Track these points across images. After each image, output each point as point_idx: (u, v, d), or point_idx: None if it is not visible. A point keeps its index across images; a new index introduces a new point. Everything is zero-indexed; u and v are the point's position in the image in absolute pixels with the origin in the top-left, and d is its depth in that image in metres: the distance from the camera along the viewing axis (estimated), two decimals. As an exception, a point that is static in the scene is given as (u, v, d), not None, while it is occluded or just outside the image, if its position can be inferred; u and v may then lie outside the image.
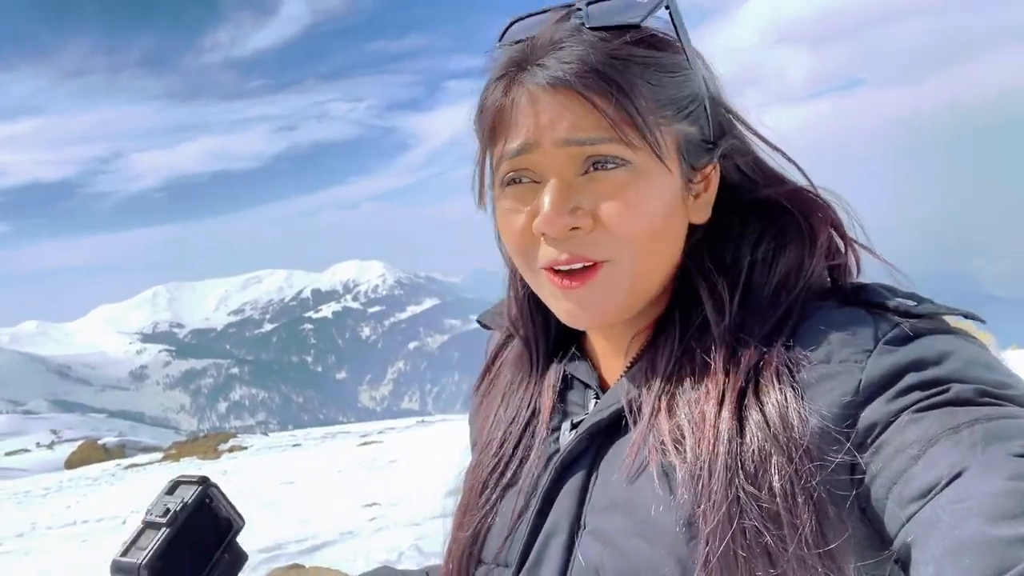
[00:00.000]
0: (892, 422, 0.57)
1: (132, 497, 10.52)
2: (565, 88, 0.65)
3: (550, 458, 0.76)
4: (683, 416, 0.65)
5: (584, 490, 0.71)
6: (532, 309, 0.84)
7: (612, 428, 0.72)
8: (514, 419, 0.82)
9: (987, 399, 0.56)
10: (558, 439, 0.77)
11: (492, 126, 0.70)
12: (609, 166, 0.66)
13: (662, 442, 0.65)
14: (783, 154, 0.75)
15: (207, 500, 0.77)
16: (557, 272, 0.69)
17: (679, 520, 0.62)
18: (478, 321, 0.97)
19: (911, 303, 0.64)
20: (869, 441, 0.58)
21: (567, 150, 0.66)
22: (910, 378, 0.58)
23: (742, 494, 0.59)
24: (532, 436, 0.80)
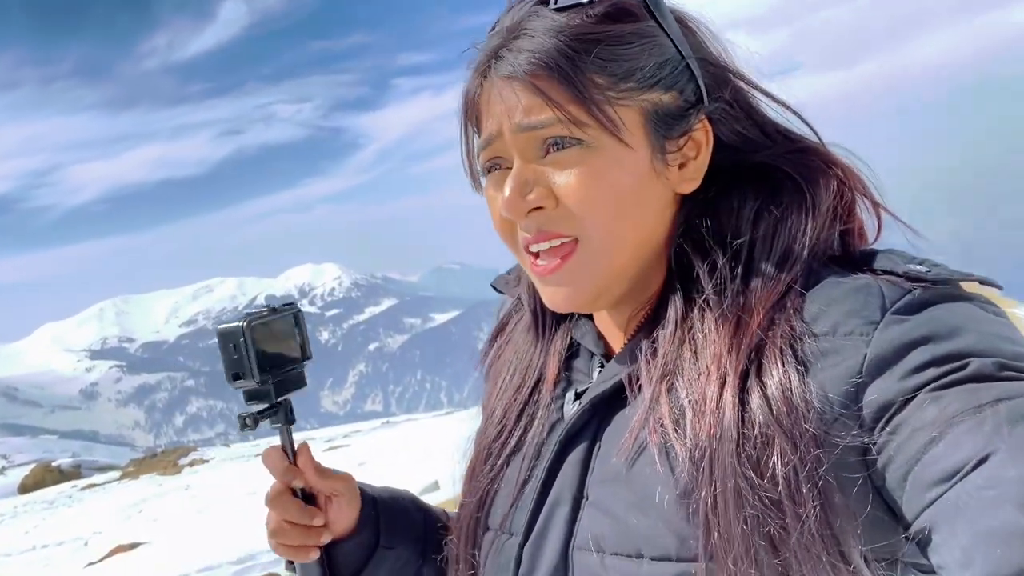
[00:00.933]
0: (909, 401, 0.55)
1: (92, 517, 10.26)
2: (516, 79, 0.68)
3: (553, 426, 0.77)
4: (684, 396, 0.64)
5: (587, 461, 0.71)
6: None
7: (614, 399, 0.71)
8: (519, 387, 0.83)
9: (1008, 372, 0.53)
10: (562, 407, 0.78)
11: (469, 116, 0.75)
12: (564, 146, 0.67)
13: (662, 422, 0.64)
14: (790, 108, 0.73)
15: (295, 319, 0.87)
16: (535, 255, 0.71)
17: (679, 500, 0.61)
18: (492, 286, 0.98)
19: (923, 269, 0.61)
20: (884, 421, 0.56)
21: (524, 135, 0.68)
22: (923, 353, 0.56)
23: (744, 481, 0.58)
24: (536, 403, 0.80)
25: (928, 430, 0.52)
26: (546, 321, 0.85)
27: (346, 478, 0.88)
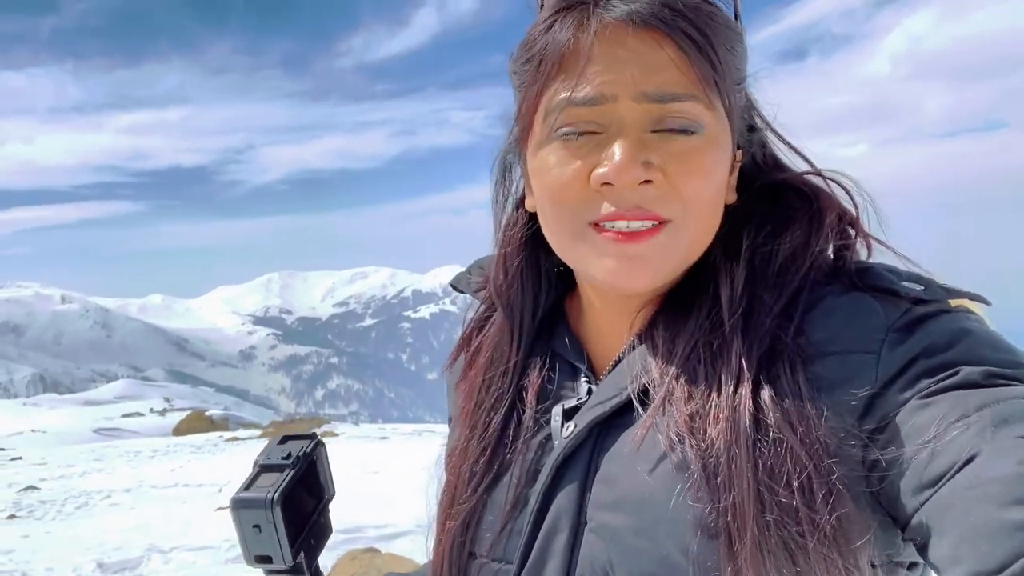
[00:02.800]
0: (900, 409, 0.57)
1: (230, 468, 11.09)
2: (654, 29, 0.60)
3: (542, 445, 0.73)
4: (697, 405, 0.62)
5: (584, 485, 0.68)
6: (523, 277, 0.79)
7: (613, 418, 0.68)
8: (496, 402, 0.78)
9: (995, 380, 0.55)
10: (549, 421, 0.74)
11: (557, 65, 0.63)
12: (683, 130, 0.62)
13: (677, 432, 0.62)
14: (794, 149, 0.74)
15: (315, 458, 0.77)
16: (612, 230, 0.64)
17: (694, 516, 0.59)
18: (451, 284, 0.92)
19: (918, 287, 0.62)
20: (879, 429, 0.57)
21: (648, 107, 0.61)
22: (920, 366, 0.57)
23: (764, 489, 0.57)
24: (519, 421, 0.76)
25: (918, 436, 0.54)
26: (523, 328, 0.79)
27: None
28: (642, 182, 0.62)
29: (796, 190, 0.72)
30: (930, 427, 0.54)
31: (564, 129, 0.64)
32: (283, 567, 0.71)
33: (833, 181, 0.71)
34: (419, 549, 5.26)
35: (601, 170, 0.62)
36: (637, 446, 0.64)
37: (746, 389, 0.61)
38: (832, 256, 0.70)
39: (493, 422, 0.77)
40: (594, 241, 0.65)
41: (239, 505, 0.69)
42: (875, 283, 0.64)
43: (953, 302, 0.63)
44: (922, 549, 0.53)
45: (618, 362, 0.72)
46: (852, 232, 0.70)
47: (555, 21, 0.64)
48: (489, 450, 0.76)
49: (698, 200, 0.64)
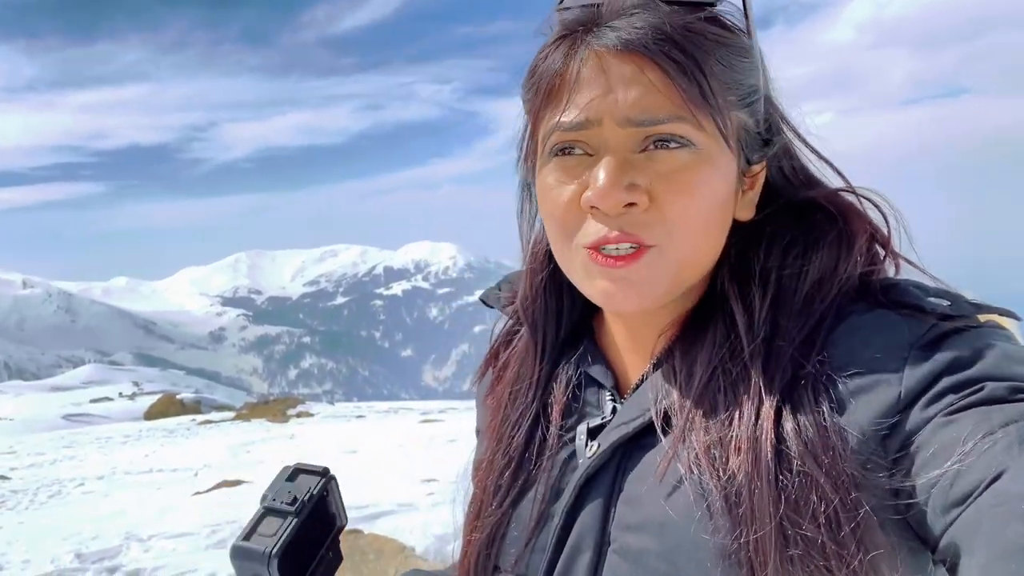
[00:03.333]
0: (925, 427, 0.55)
1: (204, 451, 11.02)
2: (637, 54, 0.61)
3: (566, 462, 0.74)
4: (717, 434, 0.62)
5: (608, 505, 0.68)
6: (547, 293, 0.80)
7: (635, 439, 0.68)
8: (520, 417, 0.79)
9: (1021, 395, 0.54)
10: (574, 439, 0.74)
11: (549, 90, 0.66)
12: (672, 145, 0.62)
13: (696, 461, 0.62)
14: (827, 162, 0.72)
15: (325, 494, 0.75)
16: (600, 252, 0.65)
17: (716, 546, 0.59)
18: (481, 299, 0.92)
19: (944, 303, 0.61)
20: (904, 448, 0.56)
21: (629, 130, 0.62)
22: (944, 382, 0.56)
23: (787, 523, 0.56)
24: (544, 437, 0.77)
25: (943, 454, 0.53)
26: (546, 344, 0.80)
27: None
28: (626, 205, 0.62)
29: (823, 210, 0.70)
30: (955, 445, 0.53)
31: (557, 146, 0.66)
32: None
33: (865, 199, 0.70)
34: (401, 529, 5.29)
35: (588, 194, 0.63)
36: (661, 471, 0.64)
37: (767, 419, 0.60)
38: (860, 274, 0.68)
39: (517, 437, 0.78)
40: (587, 263, 0.66)
41: (238, 554, 0.69)
42: (900, 299, 0.63)
43: (982, 318, 0.61)
44: (952, 570, 0.52)
45: (642, 382, 0.71)
46: (882, 252, 0.69)
47: (552, 50, 0.66)
48: (514, 464, 0.77)
49: (684, 220, 0.63)
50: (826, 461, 0.57)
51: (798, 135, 0.72)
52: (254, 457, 10.16)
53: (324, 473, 0.76)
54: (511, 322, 0.89)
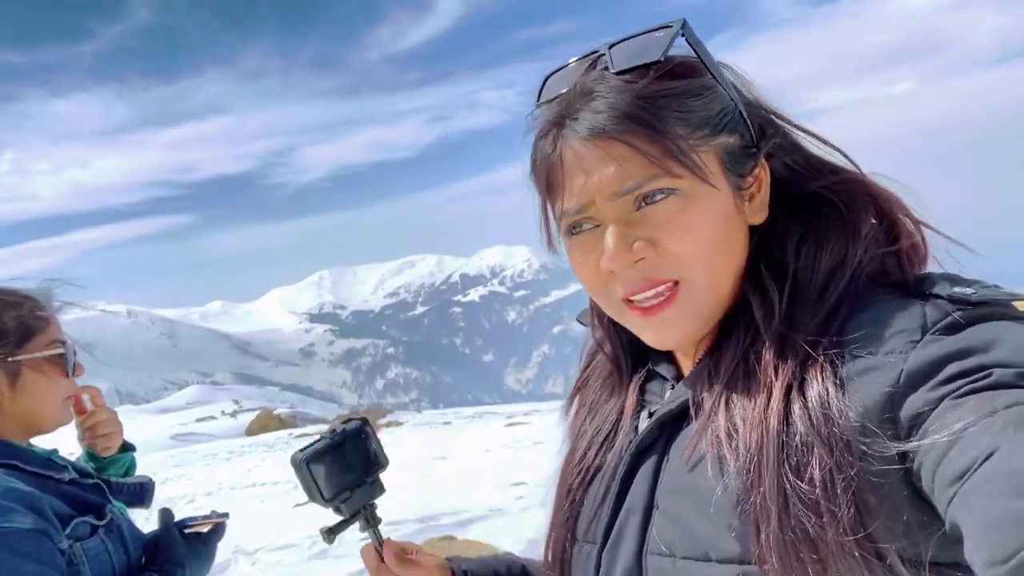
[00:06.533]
0: (934, 409, 0.58)
1: (302, 464, 11.38)
2: (602, 137, 0.71)
3: (630, 444, 0.83)
4: (737, 412, 0.69)
5: (656, 473, 0.77)
6: (615, 330, 0.90)
7: (681, 418, 0.77)
8: (598, 430, 0.88)
9: None
10: (637, 427, 0.84)
11: (547, 183, 0.77)
12: (658, 198, 0.71)
13: (717, 436, 0.70)
14: (827, 143, 0.77)
15: (363, 434, 0.97)
16: (635, 306, 0.74)
17: (734, 506, 0.66)
18: (578, 320, 0.99)
19: (970, 291, 0.64)
20: (915, 428, 0.59)
21: (617, 201, 0.72)
22: (954, 366, 0.59)
23: (787, 484, 0.63)
24: (618, 429, 0.87)
25: (947, 433, 0.56)
26: (625, 367, 0.90)
27: (429, 567, 0.98)
28: (636, 261, 0.72)
29: (827, 200, 0.75)
30: (958, 425, 0.56)
31: (569, 226, 0.77)
32: (323, 506, 0.93)
33: (869, 189, 0.75)
34: (493, 534, 5.31)
35: (603, 262, 0.73)
36: (690, 446, 0.73)
37: (777, 399, 0.67)
38: (893, 264, 0.73)
39: (600, 432, 0.88)
40: (630, 317, 0.76)
41: (291, 462, 0.93)
42: (927, 288, 0.67)
43: (1020, 304, 0.63)
44: (959, 544, 0.54)
45: (691, 371, 0.80)
46: (909, 227, 0.73)
47: (542, 145, 0.77)
48: (592, 453, 0.87)
49: (692, 252, 0.71)
50: (825, 431, 0.62)
51: (796, 126, 0.78)
52: (349, 468, 10.42)
53: (363, 419, 0.97)
54: (596, 345, 0.96)
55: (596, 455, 0.86)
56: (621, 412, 0.87)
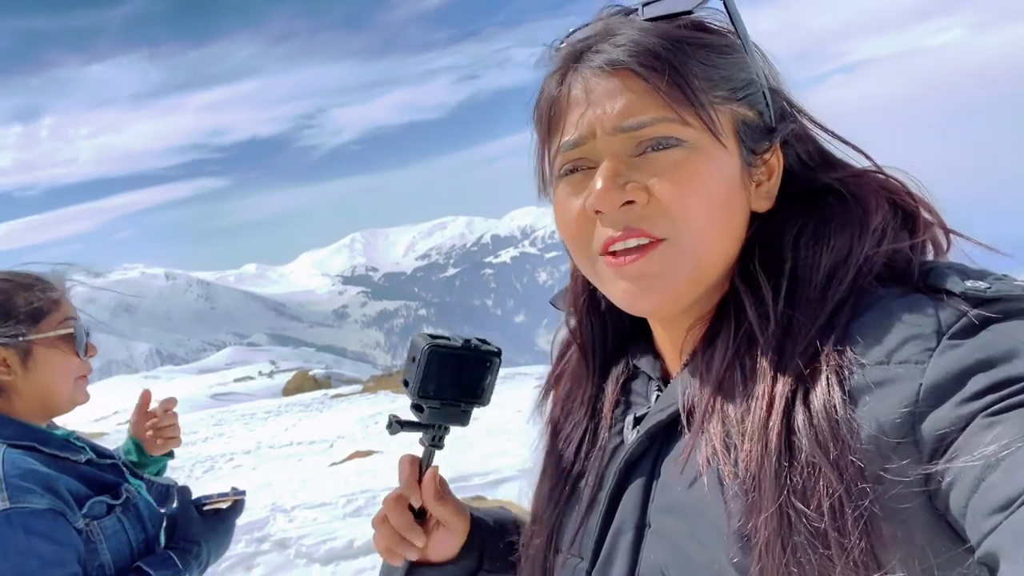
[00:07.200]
0: (964, 428, 0.53)
1: (337, 423, 11.65)
2: (619, 69, 0.65)
3: (615, 451, 0.77)
4: (733, 425, 0.63)
5: (647, 489, 0.71)
6: (591, 314, 0.84)
7: (671, 427, 0.71)
8: (573, 429, 0.83)
9: None
10: (622, 431, 0.77)
11: (548, 119, 0.71)
12: (663, 145, 0.65)
13: (713, 451, 0.63)
14: (845, 141, 0.72)
15: (488, 362, 0.88)
16: (613, 254, 0.67)
17: (733, 530, 0.60)
18: (551, 303, 0.93)
19: (982, 285, 0.58)
20: (941, 450, 0.54)
21: (622, 136, 0.66)
22: (980, 379, 0.54)
23: (791, 511, 0.57)
24: (595, 433, 0.80)
25: (985, 457, 0.51)
26: (596, 362, 0.84)
27: (459, 511, 0.89)
28: (625, 203, 0.65)
29: (836, 193, 0.70)
30: (996, 447, 0.51)
31: (564, 168, 0.70)
32: (410, 398, 0.86)
33: (879, 179, 0.70)
34: (524, 494, 5.38)
35: (589, 199, 0.67)
36: (681, 467, 0.67)
37: (778, 410, 0.60)
38: (902, 256, 0.66)
39: (570, 448, 0.81)
40: (604, 269, 0.69)
41: (416, 339, 0.86)
42: (935, 283, 0.60)
43: None
44: (992, 572, 0.51)
45: (676, 376, 0.74)
46: (915, 228, 0.68)
47: (548, 83, 0.72)
48: (571, 454, 0.81)
49: (685, 211, 0.65)
50: (834, 452, 0.56)
51: (813, 120, 0.73)
52: (382, 428, 10.58)
53: (497, 353, 0.89)
54: (569, 337, 0.90)
55: (577, 457, 0.80)
56: (601, 410, 0.81)
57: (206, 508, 1.51)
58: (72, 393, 1.40)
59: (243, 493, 1.55)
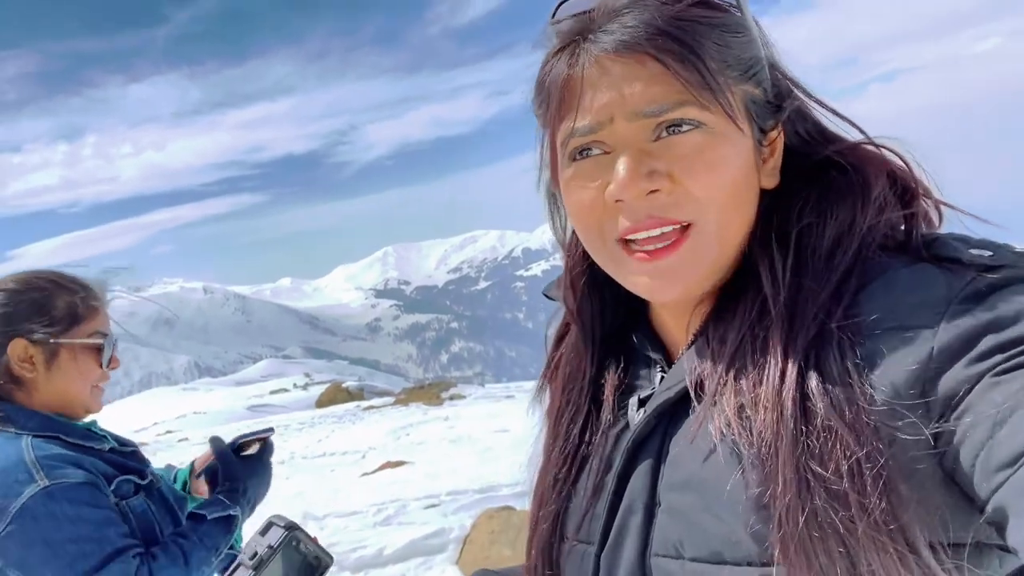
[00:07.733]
0: (973, 387, 0.54)
1: (369, 435, 11.76)
2: (634, 52, 0.64)
3: (619, 435, 0.76)
4: (746, 395, 0.63)
5: (656, 468, 0.70)
6: (590, 291, 0.82)
7: (679, 405, 0.70)
8: (576, 413, 0.82)
9: None
10: (626, 413, 0.77)
11: (559, 100, 0.68)
12: (683, 129, 0.64)
13: (727, 422, 0.63)
14: (842, 116, 0.73)
15: (294, 543, 0.87)
16: (634, 249, 0.67)
17: (750, 499, 0.60)
18: (545, 294, 0.93)
19: (987, 253, 0.60)
20: (951, 409, 0.55)
21: (639, 122, 0.65)
22: (989, 340, 0.55)
23: (810, 475, 0.57)
24: (598, 418, 0.80)
25: (992, 415, 0.52)
26: (596, 341, 0.83)
27: None
28: (650, 192, 0.64)
29: (837, 165, 0.70)
30: (1002, 405, 0.52)
31: (576, 155, 0.68)
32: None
33: (884, 148, 0.70)
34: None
35: (611, 188, 0.65)
36: (692, 438, 0.66)
37: (791, 378, 0.61)
38: (903, 227, 0.68)
39: (573, 432, 0.81)
40: (625, 261, 0.68)
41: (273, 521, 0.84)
42: (940, 252, 0.62)
43: None
44: (1000, 531, 0.52)
45: (684, 352, 0.74)
46: (912, 199, 0.69)
47: (555, 62, 0.69)
48: (574, 439, 0.80)
49: (711, 195, 0.65)
50: (849, 415, 0.57)
51: (810, 95, 0.73)
52: (413, 439, 10.72)
53: (289, 527, 0.87)
54: (564, 322, 0.90)
55: (580, 443, 0.80)
56: (602, 395, 0.80)
57: (240, 452, 1.56)
58: (87, 400, 1.44)
59: (271, 431, 1.58)
